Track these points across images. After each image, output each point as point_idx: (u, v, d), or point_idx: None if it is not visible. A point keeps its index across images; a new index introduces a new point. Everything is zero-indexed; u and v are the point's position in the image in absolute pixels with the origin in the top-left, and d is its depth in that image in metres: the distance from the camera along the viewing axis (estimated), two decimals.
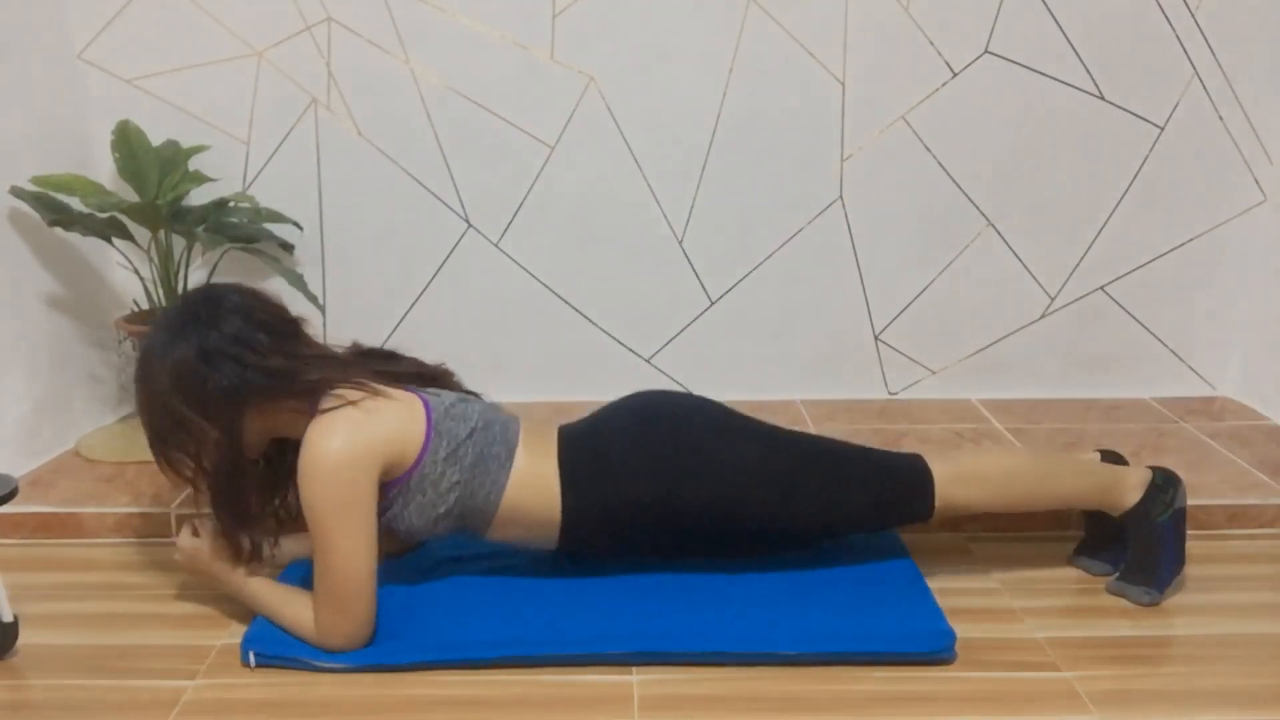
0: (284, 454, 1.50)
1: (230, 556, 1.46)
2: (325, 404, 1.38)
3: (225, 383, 1.36)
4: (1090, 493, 1.59)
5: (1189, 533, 1.79)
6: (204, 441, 1.38)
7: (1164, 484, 1.57)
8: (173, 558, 1.52)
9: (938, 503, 1.51)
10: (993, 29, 2.16)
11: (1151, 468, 1.60)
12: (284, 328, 1.45)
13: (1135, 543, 1.58)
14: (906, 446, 2.08)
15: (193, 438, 1.38)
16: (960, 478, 1.53)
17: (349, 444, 1.34)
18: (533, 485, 1.47)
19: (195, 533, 1.48)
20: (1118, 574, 1.60)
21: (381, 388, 1.43)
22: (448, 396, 1.50)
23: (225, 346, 1.37)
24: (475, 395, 1.60)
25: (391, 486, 1.42)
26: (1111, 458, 1.66)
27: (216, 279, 2.19)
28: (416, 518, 1.44)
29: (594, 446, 1.52)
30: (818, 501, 1.51)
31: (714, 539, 1.56)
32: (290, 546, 1.59)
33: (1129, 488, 1.57)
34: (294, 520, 1.53)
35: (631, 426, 1.54)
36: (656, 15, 2.14)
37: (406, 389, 1.48)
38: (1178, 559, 1.57)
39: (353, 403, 1.37)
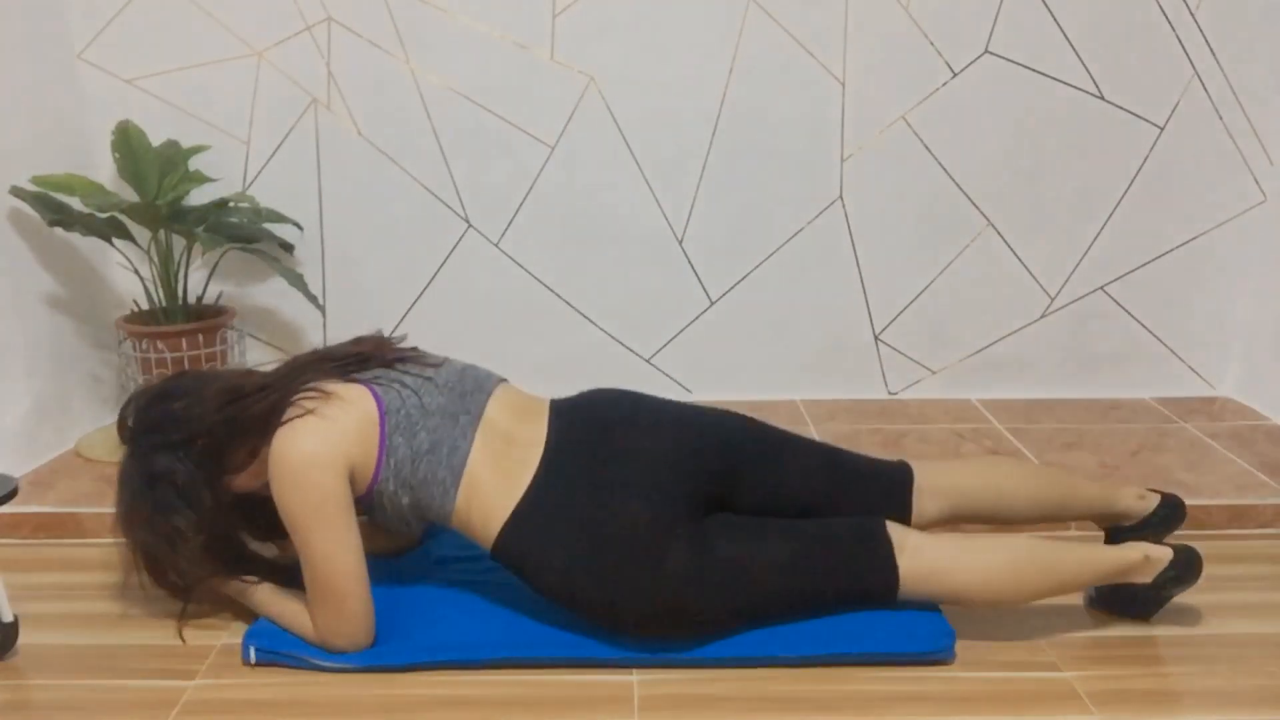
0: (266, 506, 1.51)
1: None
2: (285, 415, 1.37)
3: (183, 475, 1.38)
4: (1092, 581, 1.50)
5: (1189, 532, 1.79)
6: (197, 539, 1.40)
7: (1165, 582, 1.46)
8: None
9: (900, 589, 1.42)
10: (993, 29, 2.16)
11: (1177, 556, 1.46)
12: (186, 383, 1.45)
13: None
14: (907, 446, 2.09)
15: (185, 546, 1.40)
16: (932, 579, 1.41)
17: (313, 447, 1.33)
18: (475, 518, 1.41)
19: None
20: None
21: (333, 388, 1.40)
22: (405, 400, 1.41)
23: (160, 449, 1.39)
24: (423, 366, 1.50)
25: (358, 502, 1.41)
26: (1170, 501, 1.59)
27: (216, 279, 2.20)
28: (392, 522, 1.46)
29: (540, 544, 1.38)
30: (789, 609, 1.42)
31: None
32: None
33: (1129, 577, 1.46)
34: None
35: (589, 532, 1.37)
36: (656, 15, 2.14)
37: (360, 383, 1.43)
38: (1142, 617, 1.51)
39: (311, 410, 1.36)
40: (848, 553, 1.42)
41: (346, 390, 1.41)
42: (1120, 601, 1.52)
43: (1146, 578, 1.46)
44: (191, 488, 1.38)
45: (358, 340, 1.56)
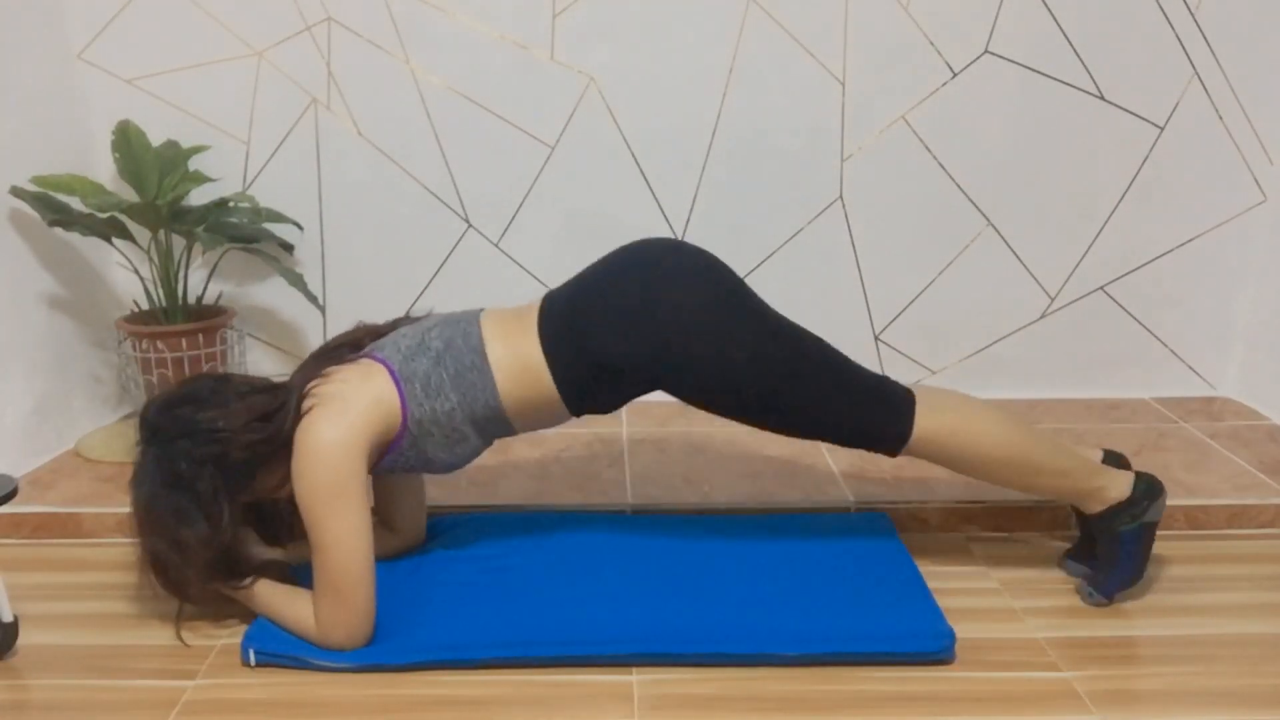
0: (276, 508, 1.55)
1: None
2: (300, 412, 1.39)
3: (204, 486, 1.38)
4: (1064, 491, 1.54)
5: (1189, 532, 1.80)
6: (206, 553, 1.40)
7: (1141, 496, 1.52)
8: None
9: (912, 439, 1.48)
10: (993, 29, 2.16)
11: (1139, 476, 1.55)
12: (219, 388, 1.45)
13: (1099, 545, 1.56)
14: None
15: (195, 554, 1.40)
16: (943, 427, 1.49)
17: (330, 432, 1.35)
18: (520, 373, 1.46)
19: None
20: (1089, 573, 1.60)
21: (332, 369, 1.44)
22: (401, 339, 1.48)
23: (184, 456, 1.38)
24: (417, 319, 1.57)
25: (396, 445, 1.44)
26: (1114, 459, 1.64)
27: (216, 279, 2.20)
28: (444, 453, 1.48)
29: (571, 308, 1.48)
30: (798, 402, 1.48)
31: (705, 399, 1.51)
32: (300, 548, 1.59)
33: (1104, 499, 1.53)
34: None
35: (610, 282, 1.49)
36: (656, 16, 2.14)
37: (358, 358, 1.47)
38: (1134, 571, 1.54)
39: (317, 399, 1.39)
40: (874, 382, 1.52)
41: (343, 367, 1.45)
42: (1109, 560, 1.54)
43: (1106, 504, 1.52)
44: (211, 499, 1.39)
45: (348, 332, 1.58)
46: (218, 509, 1.39)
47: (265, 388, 1.48)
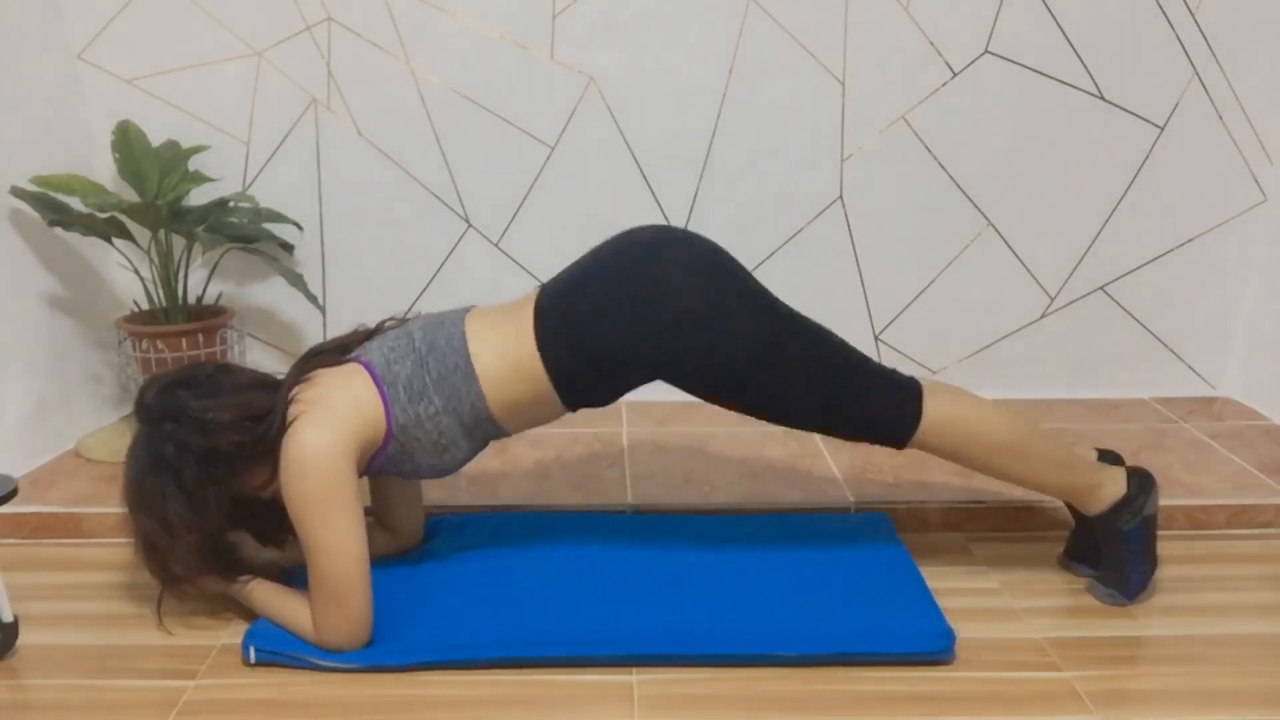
0: (269, 508, 1.54)
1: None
2: (288, 419, 1.39)
3: (190, 473, 1.38)
4: (1064, 487, 1.54)
5: (1189, 532, 1.80)
6: (189, 537, 1.40)
7: (1137, 492, 1.53)
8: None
9: (919, 429, 1.47)
10: (993, 29, 2.16)
11: (1131, 472, 1.55)
12: (217, 377, 1.45)
13: (1104, 547, 1.57)
14: None
15: (177, 538, 1.40)
16: (948, 416, 1.48)
17: (316, 436, 1.34)
18: (510, 371, 1.43)
19: None
20: (1097, 573, 1.61)
21: (317, 373, 1.43)
22: (385, 342, 1.46)
23: (173, 441, 1.38)
24: (406, 320, 1.55)
25: (383, 452, 1.43)
26: (1109, 458, 1.64)
27: (216, 279, 2.20)
28: (432, 458, 1.46)
29: (569, 301, 1.45)
30: (805, 394, 1.45)
31: (710, 391, 1.49)
32: (297, 548, 1.59)
33: (1102, 497, 1.53)
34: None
35: (609, 273, 1.46)
36: (656, 15, 2.14)
37: (343, 361, 1.46)
38: (1146, 564, 1.54)
39: (305, 405, 1.38)
40: (879, 372, 1.48)
41: (326, 371, 1.44)
42: (1120, 560, 1.54)
43: (1107, 502, 1.53)
44: (196, 485, 1.38)
45: (343, 335, 1.57)
46: (201, 495, 1.39)
47: (265, 383, 1.47)
